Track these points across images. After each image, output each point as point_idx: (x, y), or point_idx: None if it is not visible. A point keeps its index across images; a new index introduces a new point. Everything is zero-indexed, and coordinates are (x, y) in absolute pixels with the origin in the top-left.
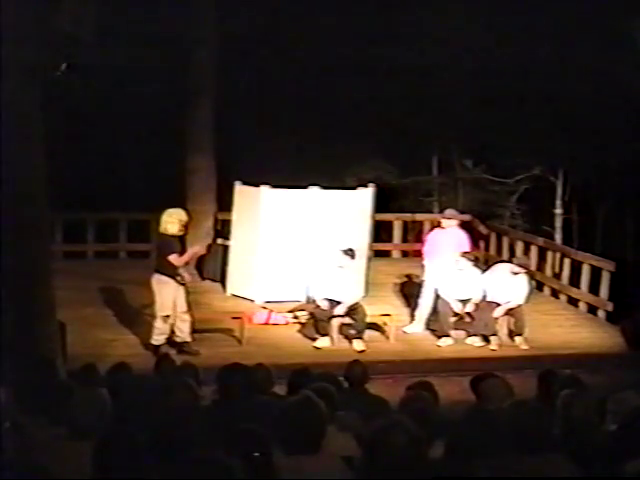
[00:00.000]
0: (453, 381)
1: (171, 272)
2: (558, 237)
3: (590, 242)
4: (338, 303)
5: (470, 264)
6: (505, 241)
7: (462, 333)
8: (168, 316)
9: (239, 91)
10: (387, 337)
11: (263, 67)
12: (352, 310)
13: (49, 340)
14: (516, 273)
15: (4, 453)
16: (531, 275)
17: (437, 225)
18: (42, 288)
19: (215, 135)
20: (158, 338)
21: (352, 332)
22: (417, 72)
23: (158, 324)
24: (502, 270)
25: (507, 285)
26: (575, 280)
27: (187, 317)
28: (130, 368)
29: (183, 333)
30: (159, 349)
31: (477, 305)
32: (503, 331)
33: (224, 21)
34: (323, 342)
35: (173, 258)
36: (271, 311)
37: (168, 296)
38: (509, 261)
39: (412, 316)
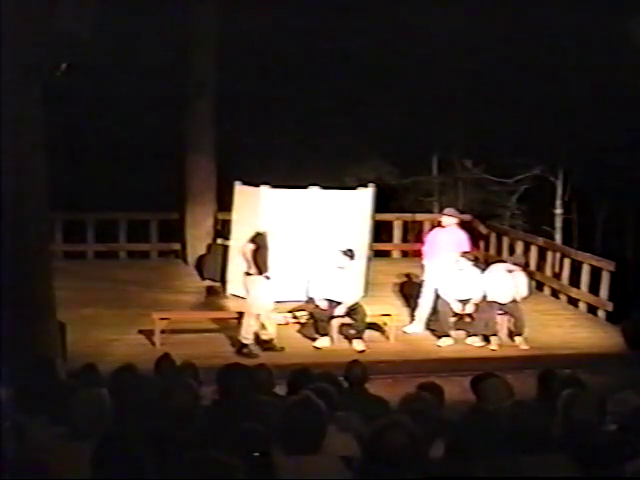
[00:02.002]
0: (453, 381)
1: (262, 269)
2: (558, 237)
3: (590, 242)
4: (338, 303)
5: (470, 264)
6: (505, 241)
7: (462, 333)
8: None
9: (239, 91)
10: (387, 337)
11: (263, 67)
12: (352, 310)
13: (49, 340)
14: (511, 271)
15: (4, 453)
16: (529, 273)
17: (437, 225)
18: (42, 288)
19: (215, 135)
20: (248, 337)
21: (352, 332)
22: (417, 72)
23: (250, 322)
24: (498, 270)
25: (506, 284)
26: (575, 280)
27: (273, 316)
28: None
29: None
30: (246, 348)
31: (477, 305)
32: (503, 331)
33: (224, 21)
34: (323, 342)
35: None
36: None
37: (258, 293)
38: (504, 260)
39: (412, 316)
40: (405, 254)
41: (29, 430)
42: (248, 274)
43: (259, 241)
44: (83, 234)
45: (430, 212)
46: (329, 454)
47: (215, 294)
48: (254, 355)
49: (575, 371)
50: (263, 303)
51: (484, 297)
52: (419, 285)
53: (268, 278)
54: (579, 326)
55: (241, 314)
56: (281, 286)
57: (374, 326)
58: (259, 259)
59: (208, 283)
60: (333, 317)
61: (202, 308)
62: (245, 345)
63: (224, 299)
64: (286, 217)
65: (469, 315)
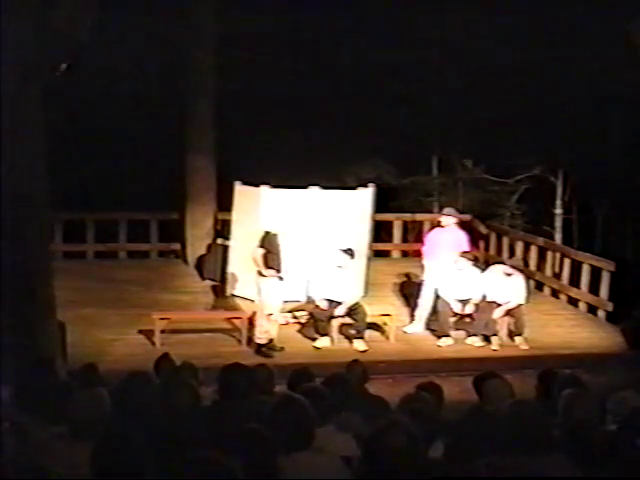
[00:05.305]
0: (453, 381)
1: (275, 270)
2: (558, 237)
3: (590, 242)
4: (338, 303)
5: (469, 264)
6: (505, 241)
7: (462, 333)
8: (271, 314)
9: (239, 91)
10: (387, 337)
11: (263, 67)
12: (352, 310)
13: (49, 340)
14: (509, 274)
15: (4, 453)
16: (527, 276)
17: (437, 225)
18: (42, 288)
19: (215, 135)
20: (261, 337)
21: (352, 332)
22: (417, 72)
23: (262, 322)
24: (496, 271)
25: (504, 286)
26: (575, 280)
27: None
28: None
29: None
30: (262, 348)
31: (477, 305)
32: (503, 331)
33: (224, 21)
34: (323, 342)
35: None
36: None
37: (270, 293)
38: (502, 262)
39: (412, 316)
40: (405, 254)
41: (29, 430)
42: (261, 274)
43: (268, 244)
44: (83, 234)
45: (430, 212)
46: (329, 454)
47: (222, 295)
48: (271, 355)
49: (575, 371)
50: (274, 303)
51: (484, 297)
52: (419, 285)
53: (281, 279)
54: (579, 326)
55: (242, 314)
56: (282, 286)
57: (374, 326)
58: (270, 261)
59: (212, 284)
60: (333, 317)
61: (207, 308)
62: (262, 345)
63: (231, 300)
64: (286, 217)
65: (469, 315)
